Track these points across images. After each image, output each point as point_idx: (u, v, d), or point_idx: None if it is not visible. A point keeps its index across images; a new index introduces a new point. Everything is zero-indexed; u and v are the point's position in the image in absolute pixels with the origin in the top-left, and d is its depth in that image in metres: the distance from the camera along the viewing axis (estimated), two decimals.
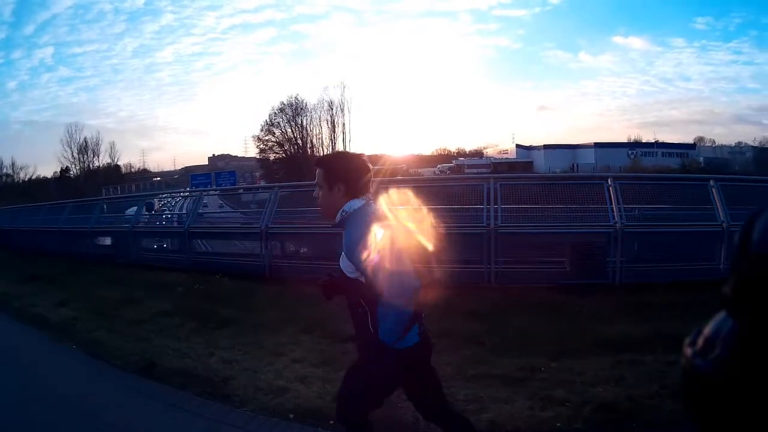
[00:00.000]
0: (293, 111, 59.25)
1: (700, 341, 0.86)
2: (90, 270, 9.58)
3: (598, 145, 57.59)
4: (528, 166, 56.60)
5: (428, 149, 73.62)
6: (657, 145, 57.91)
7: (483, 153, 68.08)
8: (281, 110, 59.45)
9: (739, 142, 59.75)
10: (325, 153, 55.73)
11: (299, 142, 59.26)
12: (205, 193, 13.07)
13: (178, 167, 71.48)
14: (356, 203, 2.17)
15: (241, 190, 29.25)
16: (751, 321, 0.79)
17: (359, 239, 2.05)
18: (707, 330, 0.87)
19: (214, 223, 12.15)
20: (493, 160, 60.24)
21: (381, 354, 2.07)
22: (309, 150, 58.46)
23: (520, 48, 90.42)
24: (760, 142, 54.63)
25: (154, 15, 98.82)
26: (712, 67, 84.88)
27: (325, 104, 59.03)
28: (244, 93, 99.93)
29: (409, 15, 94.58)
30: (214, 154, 73.21)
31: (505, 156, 62.02)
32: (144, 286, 7.61)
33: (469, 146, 72.94)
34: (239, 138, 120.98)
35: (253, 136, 62.04)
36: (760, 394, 0.78)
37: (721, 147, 59.24)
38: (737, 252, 0.82)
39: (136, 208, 12.34)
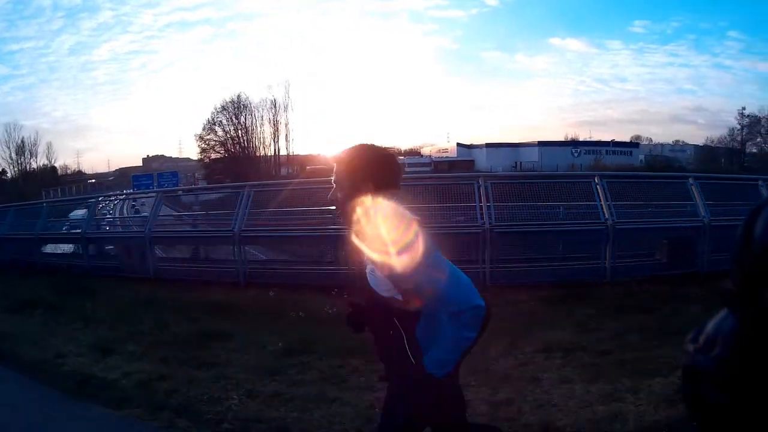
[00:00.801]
0: (236, 109, 58.01)
1: (702, 339, 0.87)
2: (85, 287, 7.44)
3: (542, 144, 58.85)
4: (469, 164, 56.37)
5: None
6: (600, 143, 59.87)
7: (420, 152, 67.95)
8: (224, 108, 58.05)
9: (677, 140, 63.16)
10: (266, 153, 56.80)
11: (242, 141, 58.10)
12: (163, 195, 11.65)
13: (113, 168, 68.31)
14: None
15: (187, 191, 27.72)
16: (754, 315, 0.79)
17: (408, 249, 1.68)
18: (708, 328, 0.87)
19: (171, 227, 11.26)
20: (434, 159, 60.43)
21: (422, 388, 1.70)
22: (251, 150, 57.54)
23: (458, 49, 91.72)
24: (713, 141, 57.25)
25: (91, 12, 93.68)
26: (648, 68, 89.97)
27: (268, 102, 58.17)
28: (180, 92, 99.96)
29: (346, 15, 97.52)
30: (148, 155, 70.19)
31: (444, 155, 62.25)
32: (172, 309, 6.04)
33: (404, 145, 72.57)
34: (174, 138, 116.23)
35: (195, 135, 60.17)
36: (760, 392, 0.78)
37: (661, 145, 62.13)
38: (739, 247, 0.82)
39: (86, 211, 11.30)
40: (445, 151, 63.72)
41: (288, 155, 59.39)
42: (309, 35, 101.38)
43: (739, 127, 54.20)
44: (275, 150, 58.83)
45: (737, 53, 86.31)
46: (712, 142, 57.11)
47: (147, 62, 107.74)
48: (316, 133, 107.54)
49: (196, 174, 59.51)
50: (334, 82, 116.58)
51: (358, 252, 1.78)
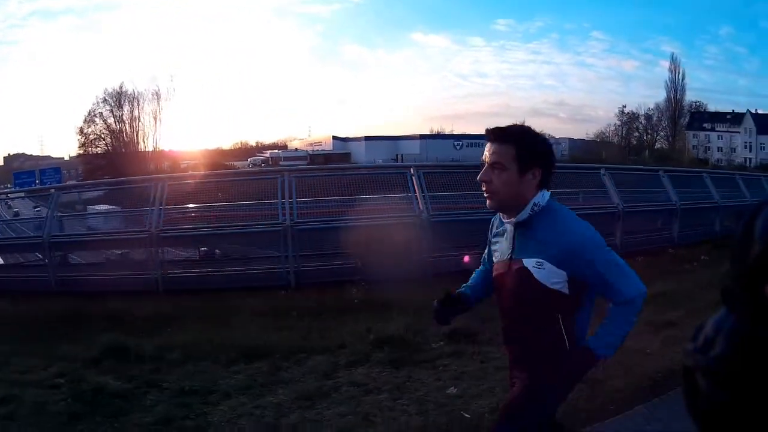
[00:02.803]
0: (116, 101, 53.48)
1: (701, 338, 0.87)
2: None
3: (424, 137, 60.11)
4: (345, 157, 56.27)
5: (227, 143, 72.19)
6: (482, 137, 62.83)
7: (286, 145, 67.81)
8: (105, 100, 53.35)
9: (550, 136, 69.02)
10: (146, 147, 53.22)
11: (125, 135, 53.95)
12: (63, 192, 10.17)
13: None
14: (547, 195, 1.77)
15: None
16: (754, 314, 0.79)
17: (592, 236, 1.75)
18: (708, 327, 0.87)
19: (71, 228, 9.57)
20: (310, 153, 59.65)
21: (586, 370, 1.86)
22: (134, 144, 53.78)
23: (319, 44, 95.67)
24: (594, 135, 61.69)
25: None
26: (510, 65, 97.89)
27: (150, 94, 54.22)
28: (45, 87, 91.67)
29: (209, 7, 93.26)
30: (9, 154, 63.07)
31: (319, 148, 61.97)
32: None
33: (269, 139, 72.93)
34: (35, 135, 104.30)
35: (75, 127, 54.97)
36: (760, 391, 0.78)
37: None
38: (739, 246, 0.82)
39: None
40: (319, 144, 63.36)
41: (161, 150, 56.06)
42: (173, 32, 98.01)
43: (619, 123, 59.33)
44: (154, 144, 55.35)
45: (600, 52, 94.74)
46: (588, 135, 62.15)
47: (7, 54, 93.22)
48: (181, 128, 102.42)
49: (79, 169, 54.33)
50: (199, 76, 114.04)
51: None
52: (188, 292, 6.40)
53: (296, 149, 63.98)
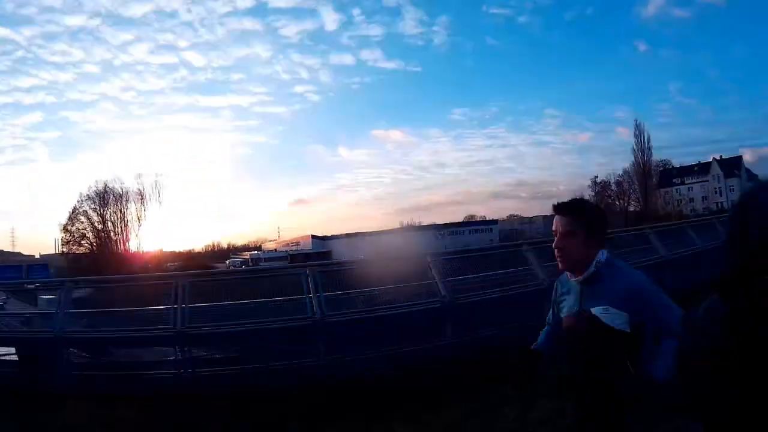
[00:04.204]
0: (101, 200, 53.78)
1: (695, 326, 0.91)
2: None
3: (406, 230, 60.90)
4: (326, 255, 55.19)
5: (199, 245, 72.95)
6: (462, 224, 63.89)
7: (260, 246, 68.87)
8: (89, 197, 53.55)
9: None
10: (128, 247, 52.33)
11: (110, 234, 53.72)
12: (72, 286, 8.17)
13: None
14: (605, 253, 2.15)
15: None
16: (746, 303, 0.81)
17: (645, 282, 2.12)
18: (700, 315, 0.90)
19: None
20: (290, 253, 59.25)
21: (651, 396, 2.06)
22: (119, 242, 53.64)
23: (278, 144, 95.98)
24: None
25: None
26: (467, 152, 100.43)
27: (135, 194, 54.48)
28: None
29: (172, 109, 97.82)
30: None
31: (295, 247, 62.01)
32: None
33: (239, 241, 74.39)
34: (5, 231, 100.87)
35: (59, 224, 54.17)
36: (751, 377, 0.80)
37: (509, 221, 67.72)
38: (733, 237, 0.85)
39: None
40: (296, 243, 63.53)
41: (140, 252, 55.72)
42: (135, 128, 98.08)
43: (592, 193, 60.46)
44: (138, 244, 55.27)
45: (555, 128, 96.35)
46: None
47: None
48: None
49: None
50: (165, 177, 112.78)
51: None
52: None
53: (275, 249, 64.50)
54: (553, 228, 2.19)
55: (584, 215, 2.18)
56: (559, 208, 2.20)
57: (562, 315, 2.29)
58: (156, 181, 55.82)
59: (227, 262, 57.79)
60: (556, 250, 2.18)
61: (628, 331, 2.06)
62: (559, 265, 2.21)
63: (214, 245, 70.40)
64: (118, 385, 6.54)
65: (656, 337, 2.07)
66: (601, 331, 2.08)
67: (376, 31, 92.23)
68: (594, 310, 2.10)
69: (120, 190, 54.05)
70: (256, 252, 63.53)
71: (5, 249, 60.58)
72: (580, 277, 2.16)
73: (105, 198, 53.83)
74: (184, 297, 6.79)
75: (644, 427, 2.10)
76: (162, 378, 6.83)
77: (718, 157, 60.60)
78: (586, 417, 2.22)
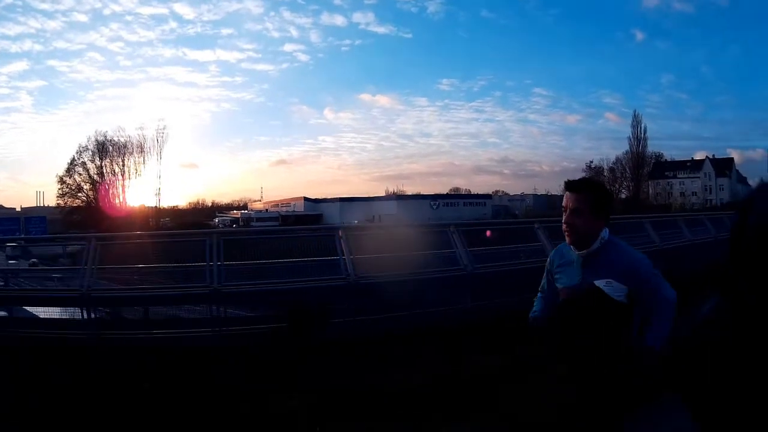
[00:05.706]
0: (100, 150, 53.63)
1: (695, 319, 0.92)
2: None
3: (400, 197, 61.07)
4: (317, 218, 56.28)
5: (183, 202, 70.44)
6: (456, 196, 63.57)
7: (246, 205, 68.41)
8: (86, 149, 53.61)
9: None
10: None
11: (106, 186, 53.52)
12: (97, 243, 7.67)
13: None
14: (607, 231, 2.32)
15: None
16: (746, 297, 0.82)
17: (646, 261, 2.31)
18: (703, 309, 0.91)
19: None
20: (282, 213, 59.70)
21: (650, 364, 2.16)
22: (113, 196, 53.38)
23: (263, 102, 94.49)
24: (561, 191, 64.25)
25: None
26: (453, 124, 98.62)
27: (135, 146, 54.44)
28: None
29: (158, 61, 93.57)
30: None
31: (285, 208, 61.98)
32: None
33: (222, 200, 72.93)
34: None
35: (56, 176, 54.02)
36: (751, 370, 0.81)
37: (499, 197, 67.56)
38: (734, 232, 0.86)
39: None
40: (287, 204, 63.36)
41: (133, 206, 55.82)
42: (120, 81, 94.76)
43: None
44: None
45: (543, 108, 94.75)
46: (548, 192, 64.38)
47: None
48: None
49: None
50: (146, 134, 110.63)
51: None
52: None
53: (266, 210, 63.95)
54: (563, 204, 2.32)
55: (593, 193, 2.31)
56: (570, 185, 2.33)
57: (559, 285, 2.43)
58: (162, 133, 55.89)
59: (216, 220, 57.51)
60: (564, 225, 2.31)
61: (626, 303, 2.25)
62: (567, 239, 2.33)
63: (199, 202, 69.71)
64: None
65: (650, 312, 2.26)
66: (601, 302, 2.24)
67: None
68: (597, 282, 2.26)
69: (121, 140, 53.86)
70: (246, 212, 63.35)
71: None
72: (585, 252, 2.29)
73: (105, 149, 53.63)
74: (219, 255, 6.80)
75: (644, 427, 2.21)
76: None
77: (711, 156, 61.93)
78: (583, 390, 2.38)
